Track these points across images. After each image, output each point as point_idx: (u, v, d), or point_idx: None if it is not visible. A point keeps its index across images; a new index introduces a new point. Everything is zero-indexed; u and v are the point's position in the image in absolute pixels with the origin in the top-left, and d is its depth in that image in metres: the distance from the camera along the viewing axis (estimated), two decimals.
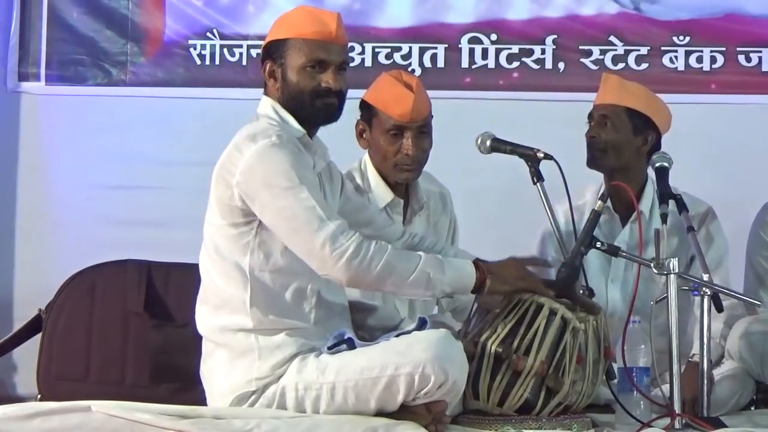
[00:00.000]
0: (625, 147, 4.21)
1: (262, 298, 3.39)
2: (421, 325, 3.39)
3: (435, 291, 3.40)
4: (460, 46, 5.65)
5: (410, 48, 5.64)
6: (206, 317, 3.48)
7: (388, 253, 3.32)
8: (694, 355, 3.83)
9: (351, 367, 3.29)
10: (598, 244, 3.67)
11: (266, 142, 3.35)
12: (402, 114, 4.01)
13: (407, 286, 3.37)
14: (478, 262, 3.47)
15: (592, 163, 4.25)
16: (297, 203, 3.29)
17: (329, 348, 3.36)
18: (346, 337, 3.36)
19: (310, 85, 3.47)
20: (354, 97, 3.77)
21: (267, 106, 3.51)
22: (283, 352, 3.37)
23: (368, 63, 5.58)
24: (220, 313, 3.43)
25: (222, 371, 3.41)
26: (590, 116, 4.27)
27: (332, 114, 3.50)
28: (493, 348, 3.44)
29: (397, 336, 3.37)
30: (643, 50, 5.60)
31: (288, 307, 3.41)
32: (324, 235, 3.27)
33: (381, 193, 4.09)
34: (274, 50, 3.50)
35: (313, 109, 3.48)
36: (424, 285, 3.36)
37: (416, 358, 3.24)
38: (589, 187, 4.35)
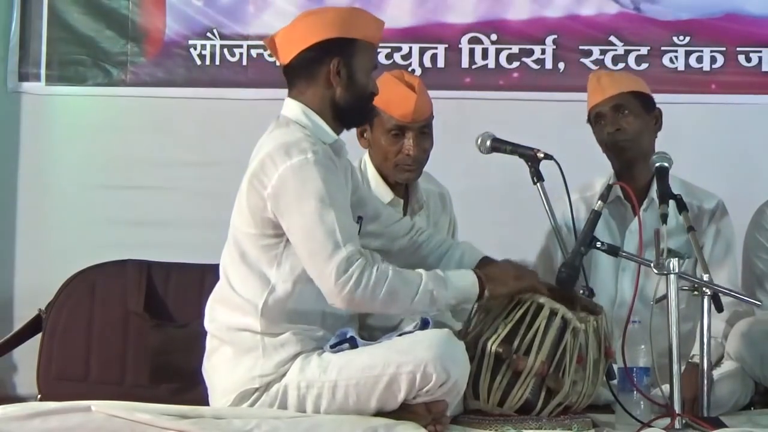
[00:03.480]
0: (645, 130, 4.23)
1: (277, 307, 3.39)
2: (424, 325, 3.40)
3: (440, 307, 3.42)
4: (460, 46, 5.64)
5: (410, 48, 5.64)
6: (216, 314, 3.48)
7: (389, 279, 3.31)
8: (694, 355, 3.83)
9: (353, 366, 3.31)
10: (598, 244, 3.68)
11: (301, 158, 3.33)
12: (404, 114, 4.01)
13: (412, 307, 3.37)
14: (476, 270, 3.47)
15: (619, 156, 4.20)
16: (320, 226, 3.29)
17: (332, 346, 3.38)
18: (348, 336, 3.37)
19: (370, 89, 3.51)
20: None
21: (297, 111, 3.47)
22: (288, 350, 3.38)
23: None
24: (231, 313, 3.44)
25: (226, 368, 3.42)
26: (598, 115, 4.24)
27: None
28: (494, 348, 3.44)
29: (400, 335, 3.37)
30: (643, 50, 5.60)
31: (300, 314, 3.42)
32: (334, 262, 3.27)
33: (381, 192, 4.08)
34: (339, 47, 3.44)
35: (366, 111, 3.56)
36: (429, 303, 3.37)
37: (418, 357, 3.25)
38: (599, 179, 4.35)
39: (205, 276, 4.57)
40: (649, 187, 4.22)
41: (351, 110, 3.49)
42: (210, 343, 3.50)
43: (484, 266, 3.55)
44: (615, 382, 3.62)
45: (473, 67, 5.65)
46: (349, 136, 4.06)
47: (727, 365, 4.02)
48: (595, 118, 4.26)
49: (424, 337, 3.32)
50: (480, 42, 5.64)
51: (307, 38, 3.45)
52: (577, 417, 3.48)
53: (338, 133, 3.53)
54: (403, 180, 4.11)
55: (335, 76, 3.44)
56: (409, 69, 5.50)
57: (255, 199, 3.38)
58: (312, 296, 3.40)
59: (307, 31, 3.47)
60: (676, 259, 3.52)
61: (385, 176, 4.11)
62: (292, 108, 3.49)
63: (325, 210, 3.29)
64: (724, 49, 5.57)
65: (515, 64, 5.63)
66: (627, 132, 4.19)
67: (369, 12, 3.59)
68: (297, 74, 3.49)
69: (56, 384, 4.51)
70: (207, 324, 3.51)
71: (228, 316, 3.44)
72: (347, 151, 3.60)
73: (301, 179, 3.31)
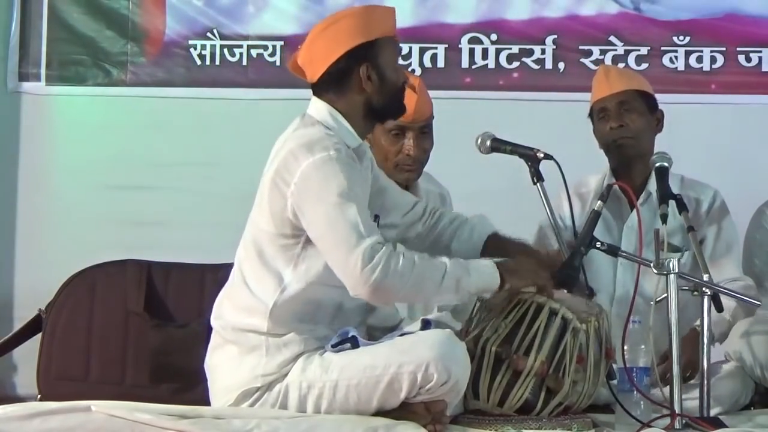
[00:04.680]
0: (647, 130, 4.23)
1: (286, 308, 3.39)
2: (425, 326, 3.40)
3: (463, 295, 3.40)
4: (460, 46, 5.65)
5: (410, 48, 5.64)
6: (223, 312, 3.48)
7: (417, 265, 3.30)
8: (697, 325, 3.81)
9: (354, 366, 3.31)
10: (598, 244, 3.68)
11: (324, 155, 3.32)
12: (404, 114, 4.00)
13: (438, 294, 3.37)
14: (497, 263, 3.46)
15: (619, 153, 4.19)
16: (342, 218, 3.28)
17: (333, 346, 3.38)
18: (350, 336, 3.37)
19: (401, 81, 3.52)
20: None
21: (324, 112, 3.46)
22: (291, 350, 3.38)
23: None
24: (239, 312, 3.44)
25: (229, 366, 3.42)
26: (602, 110, 4.23)
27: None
28: (494, 348, 3.44)
29: (401, 335, 3.38)
30: (643, 50, 5.60)
31: (307, 316, 3.42)
32: (359, 252, 3.25)
33: None
34: (364, 53, 3.43)
35: (400, 104, 3.54)
36: (454, 290, 3.36)
37: (420, 357, 3.25)
38: (593, 175, 4.35)
39: (205, 276, 4.58)
40: (645, 184, 4.22)
41: (387, 108, 3.50)
42: (214, 339, 3.51)
43: (500, 256, 3.54)
44: (615, 382, 3.62)
45: (473, 67, 5.65)
46: None
47: (728, 365, 4.03)
48: (598, 112, 4.25)
49: (426, 336, 3.32)
50: (480, 42, 5.65)
51: (332, 53, 3.44)
52: (577, 417, 3.47)
53: (366, 133, 3.54)
54: (404, 180, 4.11)
55: (367, 81, 3.44)
56: (409, 69, 5.51)
57: (277, 198, 3.37)
58: (324, 301, 3.41)
59: (329, 45, 3.45)
60: (676, 259, 3.52)
61: None
62: (320, 109, 3.47)
63: (347, 204, 3.29)
64: (724, 49, 5.58)
65: (515, 64, 5.64)
66: (630, 129, 4.19)
67: (378, 5, 3.57)
68: (327, 88, 3.47)
69: (56, 384, 4.51)
70: (213, 320, 3.51)
71: (234, 315, 3.44)
72: (371, 156, 3.62)
73: (323, 175, 3.31)
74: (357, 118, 3.47)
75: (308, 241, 3.37)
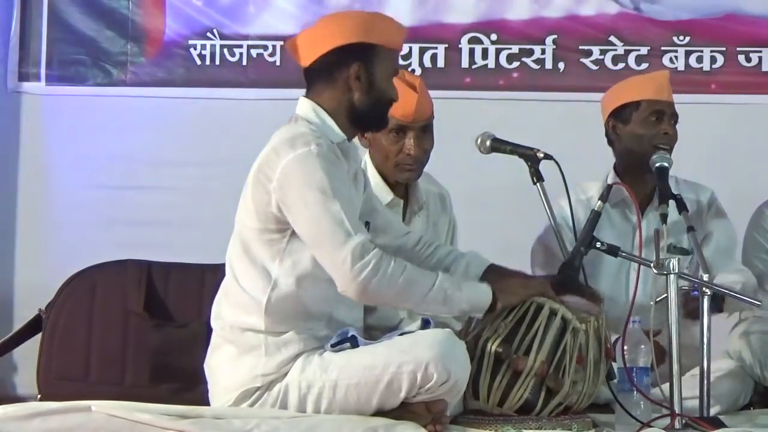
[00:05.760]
0: None
1: (281, 305, 3.39)
2: (425, 325, 3.40)
3: (452, 309, 3.42)
4: (460, 46, 5.65)
5: (410, 48, 5.64)
6: (222, 311, 3.49)
7: (407, 269, 3.32)
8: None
9: (354, 365, 3.31)
10: (598, 244, 3.68)
11: (305, 150, 3.34)
12: (405, 114, 4.00)
13: (424, 303, 3.38)
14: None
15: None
16: (327, 215, 3.30)
17: (332, 345, 3.38)
18: (349, 335, 3.37)
19: (390, 95, 3.53)
20: None
21: (307, 108, 3.49)
22: (290, 350, 3.38)
23: None
24: (234, 311, 3.45)
25: (228, 366, 3.43)
26: (659, 111, 4.20)
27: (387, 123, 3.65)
28: (494, 348, 3.44)
29: (401, 335, 3.38)
30: (643, 50, 5.60)
31: (305, 315, 3.42)
32: (347, 249, 3.27)
33: (381, 193, 4.08)
34: (361, 52, 3.45)
35: (383, 117, 3.56)
36: (442, 302, 3.37)
37: (419, 357, 3.26)
38: (593, 182, 4.33)
39: (205, 276, 4.58)
40: (654, 189, 4.21)
41: (368, 115, 3.50)
42: (214, 339, 3.51)
43: (492, 279, 3.53)
44: (615, 382, 3.62)
45: (473, 67, 5.65)
46: None
47: (727, 365, 4.03)
48: (654, 112, 4.21)
49: (426, 336, 3.33)
50: (480, 42, 5.65)
51: (329, 42, 3.47)
52: (577, 417, 3.48)
53: (351, 136, 3.54)
54: (404, 180, 4.11)
55: (355, 80, 3.46)
56: (409, 69, 5.51)
57: (260, 194, 3.39)
58: (319, 297, 3.41)
59: (329, 34, 3.48)
60: (677, 258, 3.52)
61: (385, 176, 4.11)
62: (304, 106, 3.50)
63: (329, 200, 3.30)
64: (724, 49, 5.58)
65: (515, 64, 5.64)
66: (673, 140, 4.19)
67: (391, 18, 3.60)
68: (317, 77, 3.50)
69: (56, 384, 4.51)
70: (213, 321, 3.52)
71: (232, 315, 3.45)
72: (359, 156, 3.64)
73: (305, 170, 3.33)
74: (341, 117, 3.48)
75: (294, 236, 3.38)
